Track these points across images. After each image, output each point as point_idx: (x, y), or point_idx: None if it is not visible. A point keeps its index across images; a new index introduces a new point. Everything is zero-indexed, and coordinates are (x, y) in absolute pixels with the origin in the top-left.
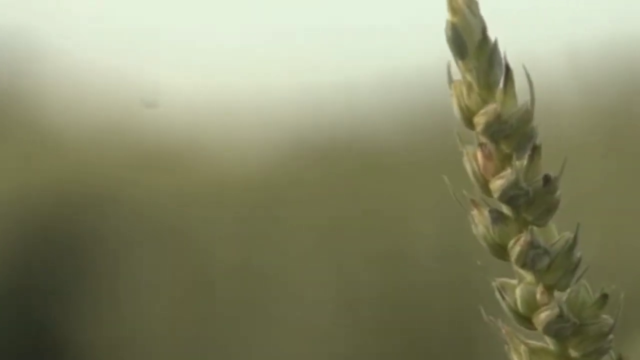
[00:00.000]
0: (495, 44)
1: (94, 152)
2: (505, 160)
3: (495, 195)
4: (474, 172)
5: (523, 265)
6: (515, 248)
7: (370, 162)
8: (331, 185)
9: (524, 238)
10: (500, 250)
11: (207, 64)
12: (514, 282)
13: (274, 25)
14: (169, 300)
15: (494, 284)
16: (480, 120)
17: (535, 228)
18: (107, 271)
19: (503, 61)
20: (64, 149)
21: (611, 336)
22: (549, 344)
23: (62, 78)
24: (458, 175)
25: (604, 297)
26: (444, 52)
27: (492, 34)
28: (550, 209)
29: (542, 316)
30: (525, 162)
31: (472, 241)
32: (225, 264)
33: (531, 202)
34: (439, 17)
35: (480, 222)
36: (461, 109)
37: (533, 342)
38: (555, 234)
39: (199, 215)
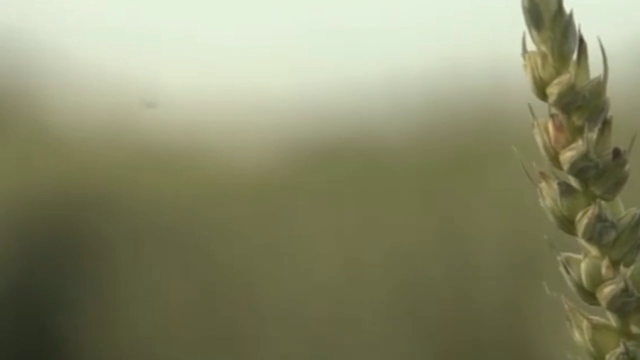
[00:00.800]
0: (571, 16)
1: (94, 151)
2: (576, 132)
3: (565, 166)
4: (544, 144)
5: (589, 239)
6: (583, 221)
7: (372, 162)
8: (333, 185)
9: (591, 211)
10: (567, 224)
11: (208, 64)
12: (579, 256)
13: (275, 25)
14: (170, 300)
15: (559, 258)
16: (553, 90)
17: (602, 202)
18: (108, 271)
19: (577, 34)
20: (64, 149)
21: None
22: (611, 320)
23: (62, 78)
24: (457, 175)
25: None
26: (446, 53)
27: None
28: (618, 183)
29: (607, 290)
30: (595, 135)
31: (472, 241)
32: (228, 264)
33: (600, 175)
34: (442, 17)
35: (548, 195)
36: (534, 79)
37: (595, 318)
38: (622, 208)
39: (200, 215)
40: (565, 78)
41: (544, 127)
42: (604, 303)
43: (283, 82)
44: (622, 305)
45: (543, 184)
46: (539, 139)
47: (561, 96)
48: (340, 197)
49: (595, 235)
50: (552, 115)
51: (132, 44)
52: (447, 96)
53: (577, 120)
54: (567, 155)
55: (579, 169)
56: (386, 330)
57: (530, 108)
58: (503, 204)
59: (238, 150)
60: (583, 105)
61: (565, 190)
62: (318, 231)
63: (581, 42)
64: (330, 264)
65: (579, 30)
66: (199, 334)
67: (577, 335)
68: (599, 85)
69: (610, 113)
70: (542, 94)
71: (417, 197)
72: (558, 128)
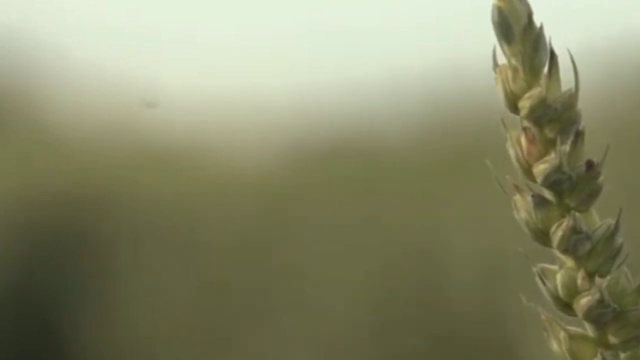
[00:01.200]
0: (541, 29)
1: (94, 151)
2: (549, 145)
3: (538, 179)
4: (517, 157)
5: (565, 251)
6: (558, 233)
7: (372, 162)
8: (333, 185)
9: (566, 223)
10: (541, 236)
11: (208, 64)
12: (555, 267)
13: (275, 25)
14: (171, 300)
15: (534, 269)
16: (525, 104)
17: (577, 214)
18: (109, 271)
19: (548, 46)
20: (65, 149)
21: None
22: (588, 330)
23: (62, 78)
24: (457, 175)
25: None
26: (446, 53)
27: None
28: (592, 194)
29: (583, 301)
30: (568, 147)
31: (472, 241)
32: (228, 263)
33: (574, 187)
34: (442, 17)
35: (522, 208)
36: (506, 93)
37: (573, 329)
38: (597, 220)
39: (200, 215)
40: (536, 91)
41: (516, 139)
42: (580, 314)
43: (283, 82)
44: (598, 316)
45: (517, 197)
46: (512, 152)
47: (533, 109)
48: (340, 197)
49: (570, 247)
50: (524, 129)
51: (132, 44)
52: (447, 96)
53: (549, 132)
54: (540, 168)
55: (553, 181)
56: (385, 327)
57: (503, 121)
58: (503, 204)
59: (238, 150)
60: (555, 118)
61: (539, 202)
62: (318, 231)
63: (552, 55)
64: (330, 263)
65: (550, 43)
66: (200, 334)
67: (554, 346)
68: (571, 98)
69: (582, 124)
70: (514, 108)
71: (417, 197)
72: (530, 141)
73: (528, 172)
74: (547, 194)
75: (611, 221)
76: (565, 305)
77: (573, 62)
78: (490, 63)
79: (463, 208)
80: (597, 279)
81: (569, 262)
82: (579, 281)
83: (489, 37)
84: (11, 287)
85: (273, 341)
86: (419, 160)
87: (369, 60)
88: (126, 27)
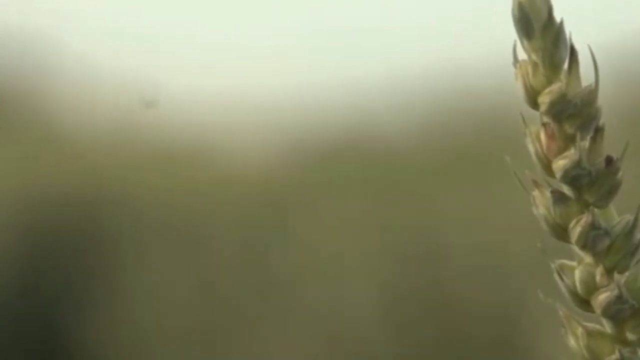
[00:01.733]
0: (561, 25)
1: (95, 151)
2: (569, 141)
3: (558, 175)
4: (536, 152)
5: (583, 247)
6: (576, 229)
7: (373, 162)
8: (333, 185)
9: (585, 219)
10: (560, 232)
11: (208, 64)
12: (573, 264)
13: (275, 25)
14: (173, 298)
15: (553, 265)
16: (544, 99)
17: (596, 210)
18: (111, 270)
19: (568, 42)
20: (67, 149)
21: None
22: (606, 327)
23: (62, 78)
24: (458, 175)
25: None
26: (446, 53)
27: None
28: (611, 190)
29: (601, 297)
30: (588, 143)
31: (472, 241)
32: (229, 263)
33: (593, 183)
34: (442, 17)
35: (541, 203)
36: (526, 88)
37: (590, 325)
38: (616, 216)
39: (200, 214)
40: (556, 87)
41: (536, 135)
42: (598, 310)
43: (283, 82)
44: (616, 312)
45: (536, 192)
46: (531, 147)
47: (553, 105)
48: (341, 197)
49: (589, 243)
50: (543, 124)
51: (132, 44)
52: (447, 96)
53: (569, 128)
54: (560, 164)
55: (572, 177)
56: (386, 326)
57: (522, 116)
58: (503, 204)
59: (238, 150)
60: (575, 113)
61: (559, 198)
62: (318, 230)
63: (572, 50)
64: (330, 263)
65: (570, 39)
66: (200, 334)
67: (572, 342)
68: (591, 94)
69: (602, 120)
70: (534, 103)
71: (417, 197)
72: (550, 136)
73: (547, 167)
74: (566, 190)
75: (630, 217)
76: (583, 302)
77: (593, 58)
78: (490, 63)
79: (463, 208)
80: (616, 275)
81: (588, 258)
82: (598, 277)
83: (489, 37)
84: (13, 287)
85: (273, 341)
86: (419, 160)
87: (369, 60)
88: (126, 27)
